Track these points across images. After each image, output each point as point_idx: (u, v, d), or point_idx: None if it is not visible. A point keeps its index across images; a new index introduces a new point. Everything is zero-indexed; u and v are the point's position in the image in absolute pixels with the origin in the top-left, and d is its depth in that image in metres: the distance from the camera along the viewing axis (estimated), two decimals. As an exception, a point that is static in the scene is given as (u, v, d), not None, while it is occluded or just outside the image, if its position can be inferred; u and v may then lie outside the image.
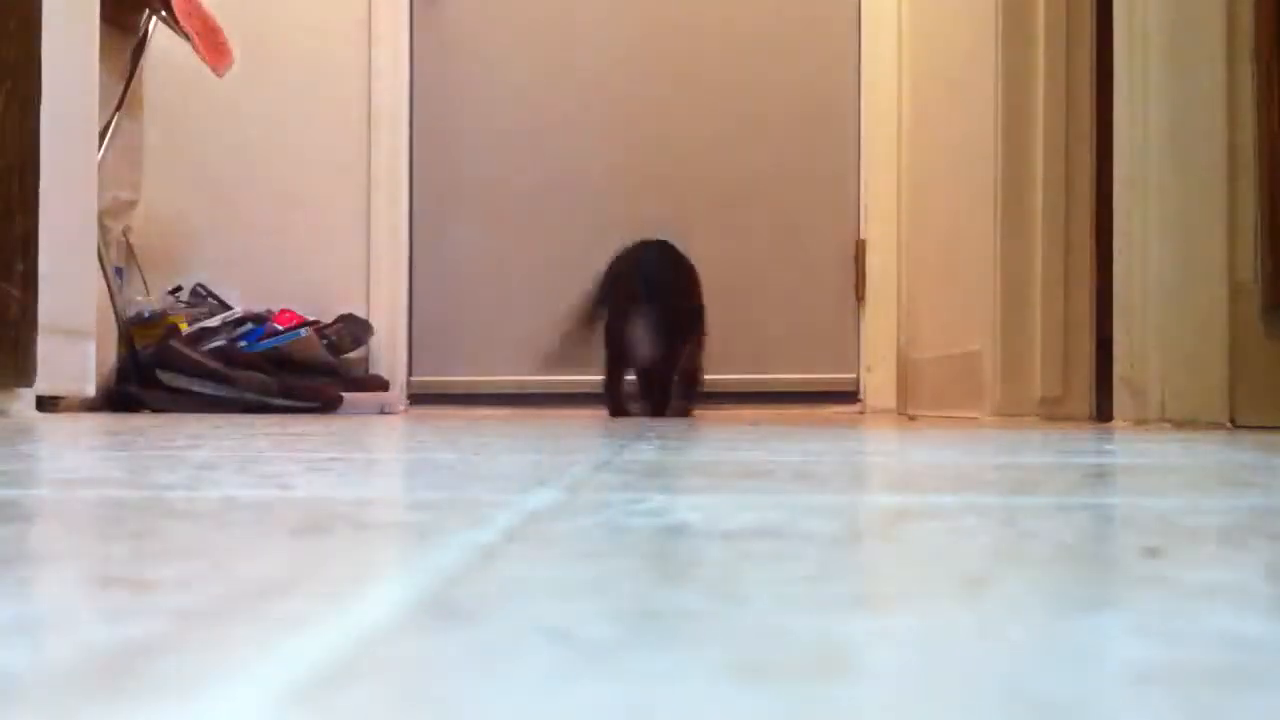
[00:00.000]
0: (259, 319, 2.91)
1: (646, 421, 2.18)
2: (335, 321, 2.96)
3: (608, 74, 3.21)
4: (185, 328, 2.81)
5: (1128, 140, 1.93)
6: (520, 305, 3.20)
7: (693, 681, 0.23)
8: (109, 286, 2.66)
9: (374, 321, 3.08)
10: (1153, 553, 0.42)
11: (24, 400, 2.01)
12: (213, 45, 2.73)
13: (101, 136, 2.51)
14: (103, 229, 2.55)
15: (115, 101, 2.70)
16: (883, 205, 3.14)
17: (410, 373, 3.18)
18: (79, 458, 0.95)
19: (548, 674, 0.24)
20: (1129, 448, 1.14)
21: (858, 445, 1.18)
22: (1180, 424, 1.82)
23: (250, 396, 2.68)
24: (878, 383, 3.13)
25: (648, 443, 1.18)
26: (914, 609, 0.32)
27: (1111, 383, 1.99)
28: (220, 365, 2.69)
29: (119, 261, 2.89)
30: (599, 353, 3.19)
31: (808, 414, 2.92)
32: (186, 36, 2.70)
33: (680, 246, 2.67)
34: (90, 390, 2.28)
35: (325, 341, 2.89)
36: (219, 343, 2.79)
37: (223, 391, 2.67)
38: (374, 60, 3.16)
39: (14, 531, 0.46)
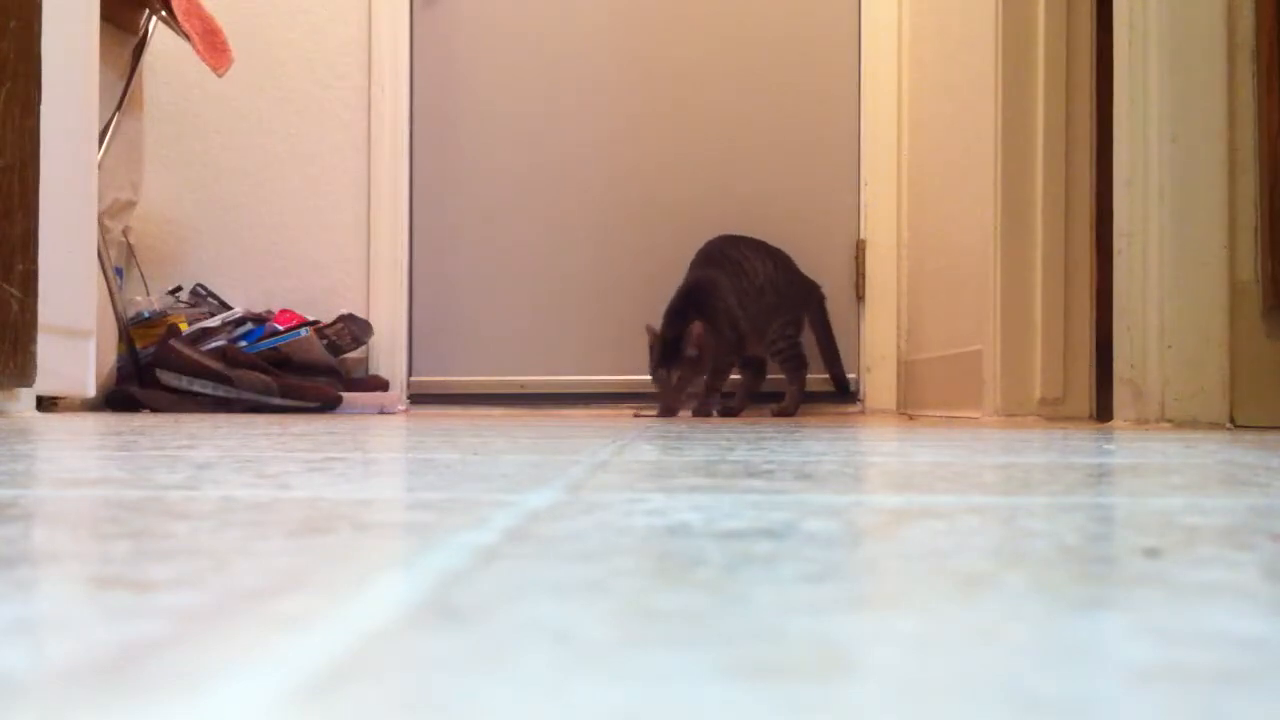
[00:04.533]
0: (259, 319, 2.91)
1: (646, 422, 2.19)
2: (335, 321, 2.96)
3: (608, 75, 3.21)
4: (185, 328, 2.81)
5: (1128, 140, 1.93)
6: (520, 305, 3.20)
7: (693, 681, 0.23)
8: (109, 286, 2.66)
9: (374, 321, 3.08)
10: (1153, 553, 0.42)
11: (24, 400, 2.01)
12: (212, 45, 2.73)
13: (101, 136, 2.51)
14: (103, 229, 2.55)
15: (115, 101, 2.70)
16: (883, 205, 3.14)
17: (410, 373, 3.18)
18: (79, 458, 0.95)
19: (547, 674, 0.24)
20: (1129, 448, 1.14)
21: (857, 445, 1.18)
22: (1180, 424, 1.82)
23: (250, 396, 2.68)
24: (878, 383, 3.14)
25: (648, 443, 1.18)
26: (914, 609, 0.32)
27: (1111, 383, 1.99)
28: (220, 365, 2.69)
29: (119, 261, 2.89)
30: (602, 353, 3.20)
31: (808, 414, 2.92)
32: (186, 36, 2.70)
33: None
34: (90, 390, 2.28)
35: (325, 341, 2.89)
36: (219, 343, 2.79)
37: (222, 391, 2.67)
38: (374, 60, 3.16)
39: (14, 531, 0.46)
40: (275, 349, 2.81)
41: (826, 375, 2.98)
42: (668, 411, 2.75)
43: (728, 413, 2.80)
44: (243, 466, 0.79)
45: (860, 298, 3.17)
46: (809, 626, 0.29)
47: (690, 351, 2.69)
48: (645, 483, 0.69)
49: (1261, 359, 1.84)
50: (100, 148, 2.49)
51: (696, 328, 2.67)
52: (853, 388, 3.14)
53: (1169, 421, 1.83)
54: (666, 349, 2.71)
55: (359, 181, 3.16)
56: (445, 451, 0.99)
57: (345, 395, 2.78)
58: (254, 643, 0.26)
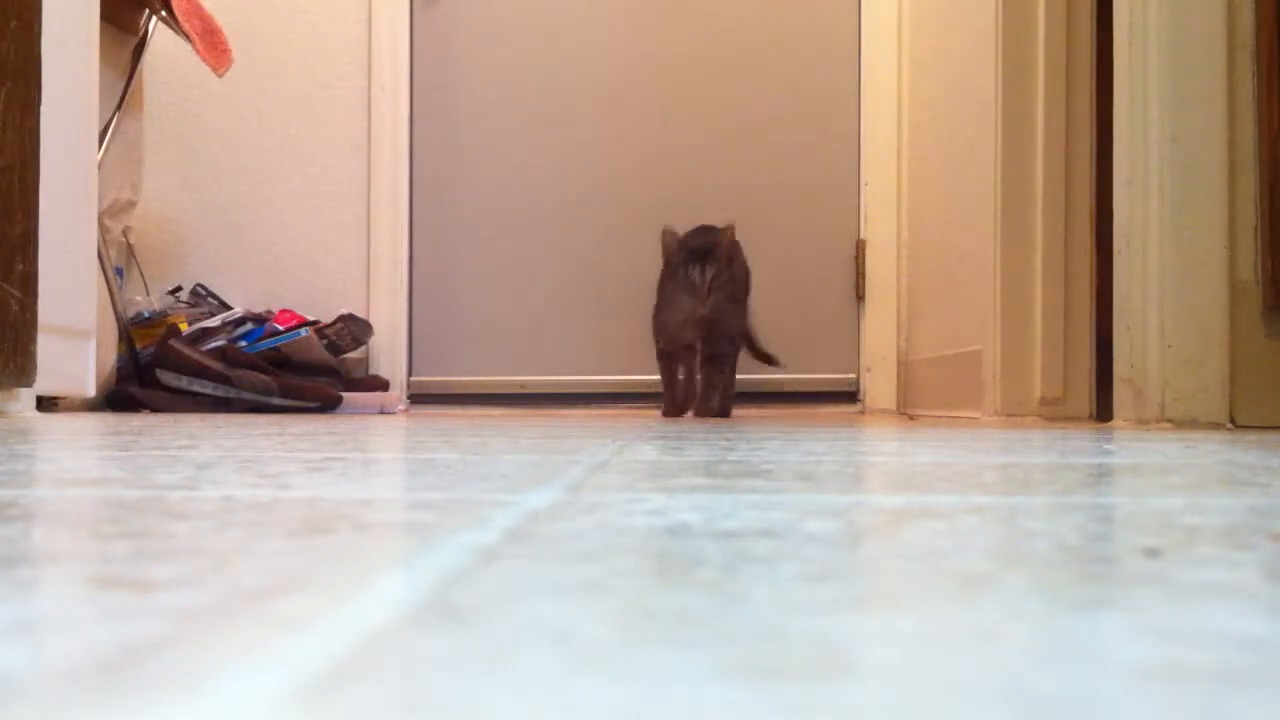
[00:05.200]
0: (259, 319, 2.91)
1: (647, 422, 2.18)
2: (335, 321, 2.96)
3: (608, 75, 3.21)
4: (185, 328, 2.81)
5: (1128, 140, 1.93)
6: (520, 305, 3.20)
7: (693, 681, 0.23)
8: (109, 286, 2.66)
9: (374, 321, 3.08)
10: (1153, 553, 0.42)
11: (24, 400, 2.01)
12: (212, 45, 2.73)
13: (101, 136, 2.51)
14: (103, 229, 2.55)
15: (115, 101, 2.70)
16: (883, 205, 3.14)
17: (410, 373, 3.18)
18: (79, 458, 0.95)
19: (548, 674, 0.24)
20: (1129, 448, 1.14)
21: (857, 445, 1.18)
22: (1180, 424, 1.82)
23: (250, 396, 2.68)
24: (878, 383, 3.14)
25: (647, 443, 1.18)
26: (914, 609, 0.32)
27: (1111, 383, 1.99)
28: (220, 365, 2.69)
29: (119, 261, 2.89)
30: (602, 353, 3.20)
31: (808, 414, 2.92)
32: (186, 36, 2.70)
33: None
34: (90, 390, 2.28)
35: (325, 341, 2.89)
36: (219, 343, 2.79)
37: (222, 391, 2.67)
38: (374, 60, 3.16)
39: (14, 531, 0.46)
40: (275, 349, 2.81)
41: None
42: (674, 410, 2.48)
43: (721, 412, 2.63)
44: (243, 466, 0.79)
45: (860, 298, 3.17)
46: (809, 626, 0.29)
47: (724, 254, 2.33)
48: (645, 483, 0.69)
49: (1261, 359, 1.84)
50: (100, 148, 2.49)
51: (730, 231, 2.36)
52: (851, 387, 3.15)
53: (1169, 421, 1.83)
54: (697, 251, 2.34)
55: (359, 181, 3.16)
56: (445, 451, 0.99)
57: (345, 395, 2.78)
58: (254, 643, 0.26)
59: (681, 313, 2.37)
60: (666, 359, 2.54)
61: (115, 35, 2.67)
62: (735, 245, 2.36)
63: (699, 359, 2.53)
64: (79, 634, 0.27)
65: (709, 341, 2.47)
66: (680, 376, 2.56)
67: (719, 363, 2.50)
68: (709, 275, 2.31)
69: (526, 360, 3.19)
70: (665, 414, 2.56)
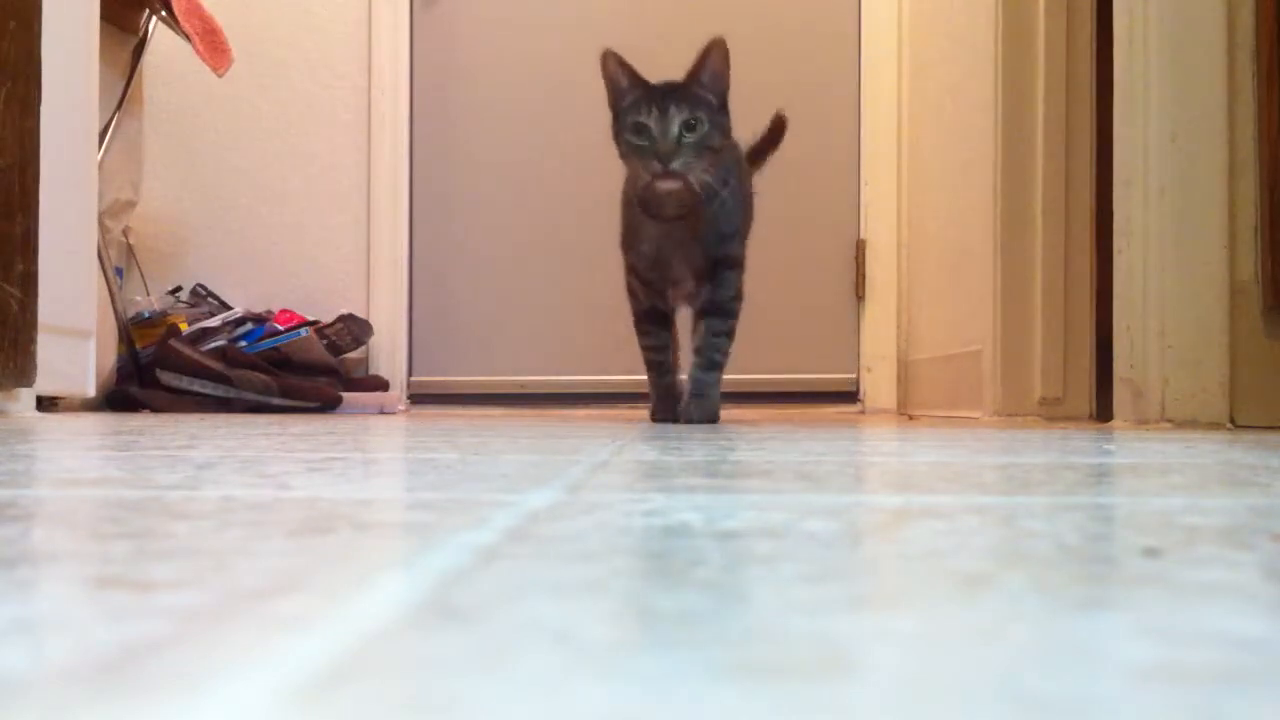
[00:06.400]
0: (259, 319, 2.91)
1: (647, 422, 2.14)
2: (335, 321, 2.96)
3: (608, 74, 3.21)
4: (185, 328, 2.81)
5: (1128, 140, 1.93)
6: (520, 305, 3.20)
7: (693, 681, 0.23)
8: (109, 286, 2.66)
9: (374, 321, 3.08)
10: (1153, 553, 0.42)
11: (24, 400, 2.01)
12: (212, 45, 2.73)
13: (101, 136, 2.51)
14: (103, 229, 2.55)
15: (115, 101, 2.70)
16: (883, 205, 3.14)
17: (410, 373, 3.18)
18: (79, 458, 0.95)
19: (548, 674, 0.24)
20: (1129, 448, 1.14)
21: (857, 445, 1.17)
22: (1180, 424, 1.82)
23: (250, 396, 2.68)
24: (878, 383, 3.14)
25: (647, 443, 1.18)
26: (914, 609, 0.32)
27: (1111, 383, 1.99)
28: (220, 365, 2.69)
29: (119, 261, 2.89)
30: (602, 353, 3.19)
31: (808, 414, 2.92)
32: (186, 36, 2.70)
33: None
34: (90, 390, 2.28)
35: (325, 341, 2.89)
36: (219, 343, 2.79)
37: (222, 391, 2.67)
38: (374, 60, 3.16)
39: (14, 531, 0.46)
40: (275, 349, 2.81)
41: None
42: (667, 409, 1.84)
43: (711, 416, 1.83)
44: (243, 466, 0.79)
45: (860, 298, 3.17)
46: (809, 626, 0.29)
47: (708, 77, 1.47)
48: (645, 483, 0.69)
49: (1261, 359, 1.84)
50: (100, 148, 2.49)
51: (719, 43, 1.50)
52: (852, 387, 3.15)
53: (1169, 421, 1.83)
54: (658, 87, 1.57)
55: (359, 181, 3.16)
56: (445, 451, 0.99)
57: (345, 395, 2.78)
58: (254, 643, 0.26)
59: (637, 182, 1.50)
60: (645, 320, 1.75)
61: (115, 35, 2.67)
62: (727, 56, 1.39)
63: (697, 309, 1.78)
64: (79, 634, 0.27)
65: (708, 263, 1.69)
66: (667, 353, 1.85)
67: (725, 314, 1.75)
68: (675, 120, 1.56)
69: (526, 360, 3.19)
70: (653, 417, 1.88)
